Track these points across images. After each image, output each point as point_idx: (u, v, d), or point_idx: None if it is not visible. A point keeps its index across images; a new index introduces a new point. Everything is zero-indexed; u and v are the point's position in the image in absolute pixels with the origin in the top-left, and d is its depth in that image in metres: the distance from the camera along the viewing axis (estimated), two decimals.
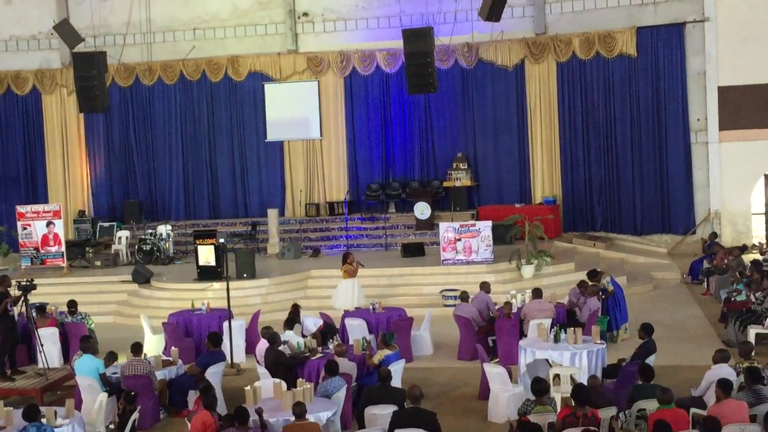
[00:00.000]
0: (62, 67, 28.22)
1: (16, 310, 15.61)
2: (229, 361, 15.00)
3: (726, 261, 19.79)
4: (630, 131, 25.11)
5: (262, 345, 13.63)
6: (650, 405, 10.18)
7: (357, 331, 15.44)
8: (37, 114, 28.75)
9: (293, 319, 15.03)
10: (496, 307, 15.78)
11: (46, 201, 27.27)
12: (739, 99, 24.08)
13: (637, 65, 24.94)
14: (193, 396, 12.66)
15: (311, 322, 15.75)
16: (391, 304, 17.85)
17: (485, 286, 16.40)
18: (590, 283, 15.98)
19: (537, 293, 15.45)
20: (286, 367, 12.87)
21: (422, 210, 24.41)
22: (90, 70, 21.88)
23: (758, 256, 20.66)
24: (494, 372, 12.44)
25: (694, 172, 24.73)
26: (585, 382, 11.08)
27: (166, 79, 27.87)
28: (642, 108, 24.98)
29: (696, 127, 24.65)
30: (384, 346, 13.19)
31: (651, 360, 12.06)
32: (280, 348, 13.26)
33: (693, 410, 10.29)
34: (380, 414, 10.68)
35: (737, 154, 24.15)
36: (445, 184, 26.26)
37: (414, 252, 22.48)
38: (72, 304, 16.95)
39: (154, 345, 16.12)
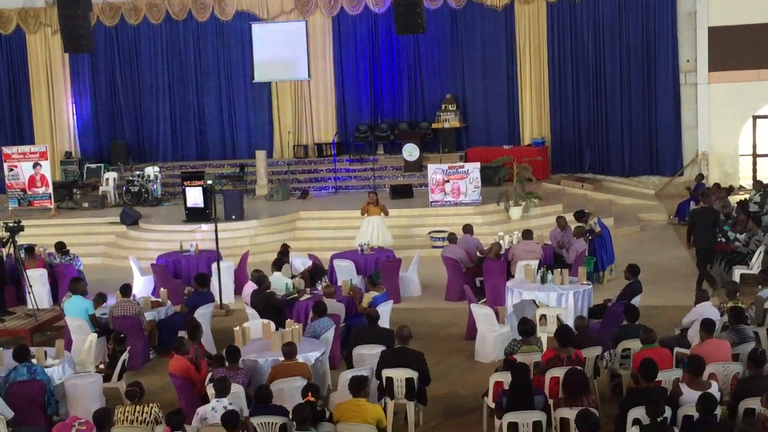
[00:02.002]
0: (46, 5, 27.73)
1: (4, 252, 15.64)
2: (218, 303, 15.09)
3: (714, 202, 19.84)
4: (619, 72, 24.95)
5: (249, 287, 13.70)
6: (635, 345, 10.29)
7: (345, 272, 15.51)
8: (22, 54, 28.32)
9: (281, 259, 15.09)
10: (485, 248, 15.83)
11: (32, 142, 27.03)
12: (729, 40, 23.92)
13: (627, 5, 24.69)
14: None
15: (300, 263, 15.83)
16: (379, 245, 17.89)
17: (468, 229, 16.42)
18: (577, 224, 16.04)
19: (527, 234, 15.46)
20: (275, 308, 12.95)
21: (411, 151, 24.36)
22: (74, 9, 21.55)
23: (745, 196, 20.70)
24: (481, 312, 12.55)
25: (682, 113, 24.67)
26: (571, 323, 11.20)
27: (152, 18, 27.46)
28: (631, 49, 24.78)
29: (685, 68, 24.54)
30: (371, 286, 13.28)
31: (636, 301, 12.17)
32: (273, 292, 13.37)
33: (677, 349, 10.43)
34: (368, 354, 10.78)
35: (726, 95, 24.10)
36: (434, 125, 26.08)
37: (402, 193, 22.50)
38: (60, 246, 16.97)
39: (142, 286, 16.18)
